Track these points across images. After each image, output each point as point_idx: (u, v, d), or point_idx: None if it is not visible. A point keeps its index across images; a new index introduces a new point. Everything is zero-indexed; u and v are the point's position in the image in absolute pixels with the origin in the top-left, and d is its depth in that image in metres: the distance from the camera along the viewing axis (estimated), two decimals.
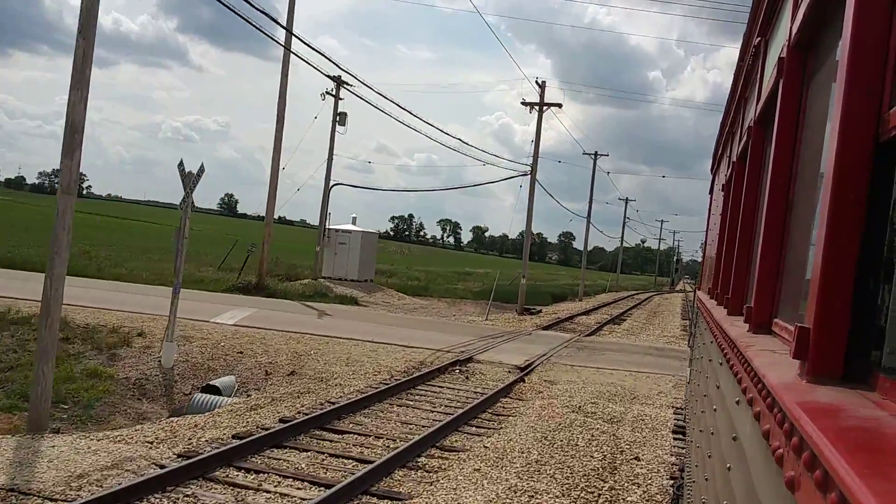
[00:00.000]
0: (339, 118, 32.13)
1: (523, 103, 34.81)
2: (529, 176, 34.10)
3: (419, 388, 12.46)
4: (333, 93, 31.45)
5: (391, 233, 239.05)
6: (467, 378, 13.90)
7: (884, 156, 1.24)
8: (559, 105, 35.00)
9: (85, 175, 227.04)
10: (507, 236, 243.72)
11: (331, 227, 34.53)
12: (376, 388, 11.71)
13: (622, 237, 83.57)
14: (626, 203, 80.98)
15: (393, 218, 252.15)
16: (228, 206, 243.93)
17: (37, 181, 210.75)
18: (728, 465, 2.24)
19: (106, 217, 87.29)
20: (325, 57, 22.13)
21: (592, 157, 54.36)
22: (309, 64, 22.96)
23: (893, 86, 1.24)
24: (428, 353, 15.90)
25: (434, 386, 12.81)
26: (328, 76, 29.95)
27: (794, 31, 2.19)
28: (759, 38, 3.37)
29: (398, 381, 12.34)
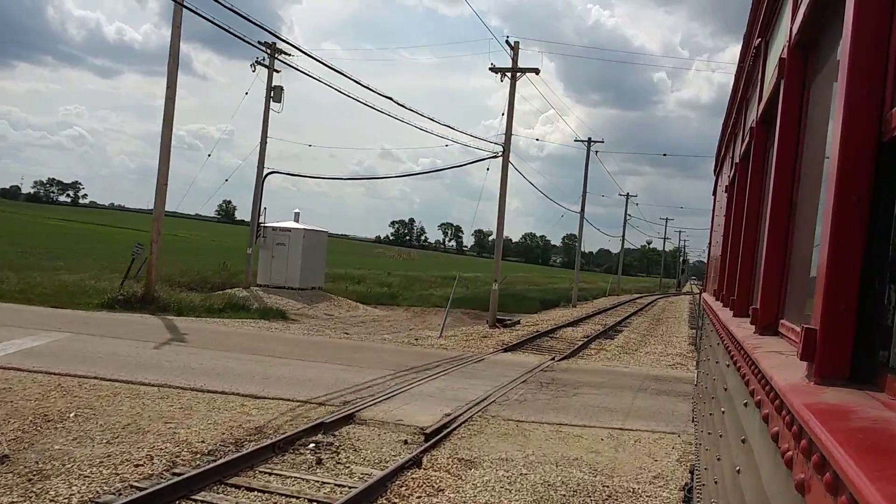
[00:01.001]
0: (274, 93, 27.83)
1: (493, 69, 27.75)
2: (502, 157, 27.48)
3: (206, 493, 6.89)
4: (266, 63, 27.41)
5: (391, 237, 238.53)
6: (319, 462, 8.17)
7: (886, 155, 1.24)
8: (535, 70, 28.02)
9: (80, 184, 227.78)
10: (511, 239, 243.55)
11: (267, 224, 29.03)
12: (116, 494, 6.66)
13: (623, 236, 77.46)
14: (627, 199, 75.79)
15: (393, 223, 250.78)
16: (226, 212, 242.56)
17: (32, 191, 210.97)
18: (738, 468, 2.23)
19: (91, 225, 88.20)
20: (252, 22, 18.52)
21: (585, 144, 47.98)
22: (235, 35, 19.34)
23: (895, 85, 1.24)
24: (285, 407, 10.48)
25: (237, 489, 7.12)
26: (258, 44, 25.59)
27: (795, 31, 2.19)
28: (759, 39, 3.37)
29: (171, 481, 6.89)
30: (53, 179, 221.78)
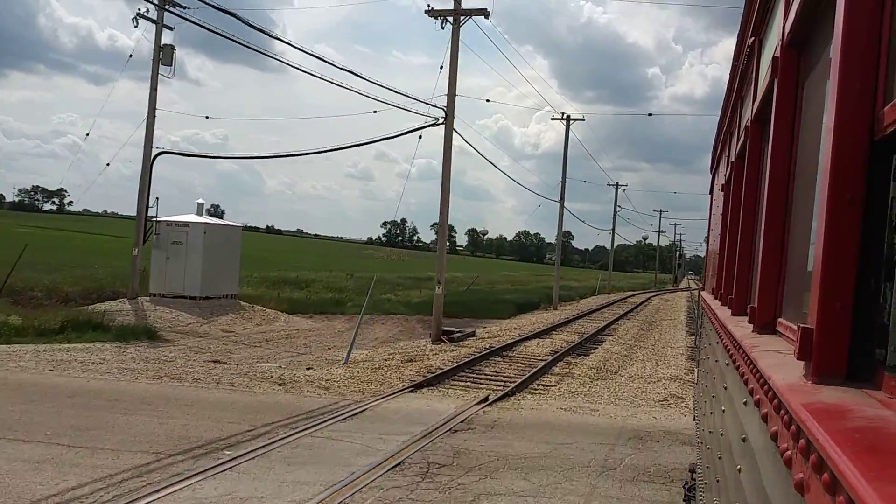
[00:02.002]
0: (163, 54, 23.00)
1: (429, 12, 21.79)
2: (444, 126, 21.35)
3: None
4: (154, 18, 22.86)
5: (383, 238, 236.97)
6: None
7: (879, 154, 1.24)
8: (483, 12, 21.75)
9: (66, 191, 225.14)
10: (506, 238, 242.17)
11: (161, 218, 23.99)
12: None
13: (613, 229, 69.39)
14: (617, 189, 68.33)
15: (385, 223, 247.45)
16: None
17: (16, 199, 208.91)
18: (738, 467, 2.23)
19: (74, 233, 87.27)
20: None
21: (564, 121, 40.46)
22: None
23: (887, 83, 1.24)
24: None
25: None
26: None
27: (787, 30, 2.19)
28: (752, 38, 3.38)
29: None
30: (38, 187, 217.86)
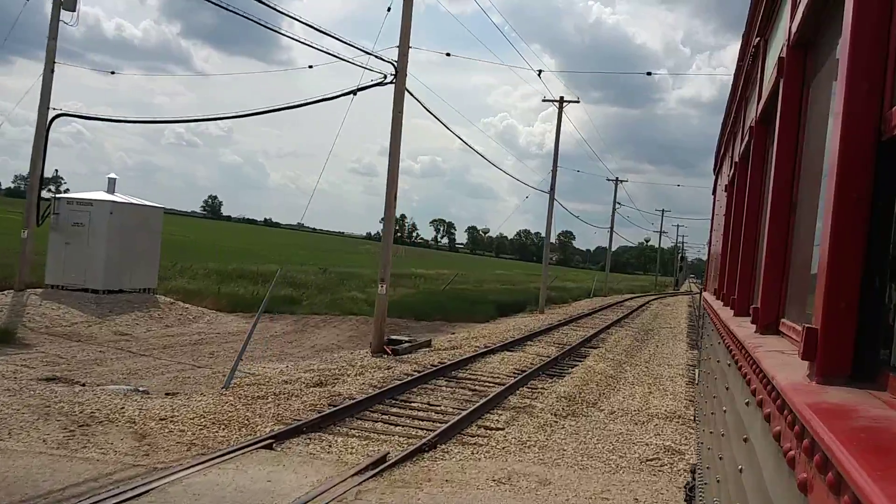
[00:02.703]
0: None
1: None
2: (394, 83, 16.99)
3: None
4: None
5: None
6: None
7: (886, 154, 1.24)
8: None
9: (62, 178, 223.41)
10: (507, 237, 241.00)
11: (61, 195, 21.06)
12: None
13: (612, 228, 63.38)
14: (616, 184, 62.73)
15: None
16: (212, 208, 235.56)
17: (12, 185, 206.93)
18: (740, 467, 2.23)
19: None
20: None
21: (558, 104, 35.41)
22: None
23: (894, 84, 1.24)
24: None
25: None
26: None
27: (794, 30, 2.19)
28: (758, 38, 3.37)
29: None
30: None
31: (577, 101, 36.01)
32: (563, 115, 35.77)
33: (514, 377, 14.03)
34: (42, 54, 19.73)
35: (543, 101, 36.08)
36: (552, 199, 35.21)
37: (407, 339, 17.88)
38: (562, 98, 35.43)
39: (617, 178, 63.38)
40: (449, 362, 15.17)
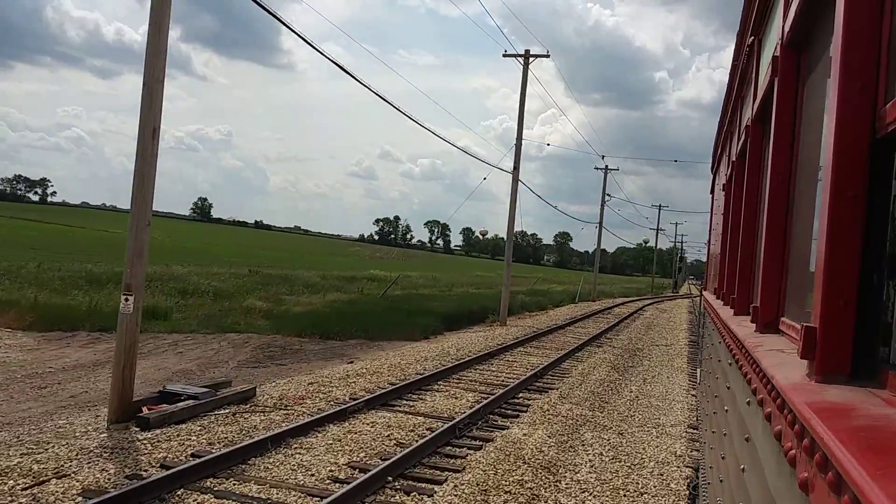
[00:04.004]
0: None
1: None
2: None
3: None
4: None
5: (376, 236, 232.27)
6: None
7: (881, 151, 1.24)
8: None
9: (49, 181, 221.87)
10: (502, 238, 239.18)
11: None
12: None
13: (601, 223, 54.87)
14: (606, 172, 54.25)
15: (378, 220, 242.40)
16: (201, 210, 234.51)
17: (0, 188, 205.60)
18: (742, 467, 2.23)
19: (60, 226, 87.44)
20: None
21: (522, 60, 27.53)
22: None
23: (888, 81, 1.24)
24: None
25: None
26: None
27: (787, 29, 2.20)
28: (752, 38, 3.38)
29: None
30: (20, 176, 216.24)
31: (547, 56, 28.00)
32: (518, 59, 27.55)
33: (340, 490, 6.57)
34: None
35: (505, 55, 27.91)
36: (516, 179, 27.28)
37: (200, 389, 10.11)
38: (527, 52, 27.60)
39: (606, 165, 54.74)
40: (234, 446, 7.73)
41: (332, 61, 15.31)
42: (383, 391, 11.34)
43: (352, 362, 15.21)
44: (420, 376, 13.05)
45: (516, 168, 27.37)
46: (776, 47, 2.42)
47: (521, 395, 12.42)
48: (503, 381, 13.51)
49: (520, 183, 27.45)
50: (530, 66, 27.45)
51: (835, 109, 1.31)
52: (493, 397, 11.38)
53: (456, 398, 11.72)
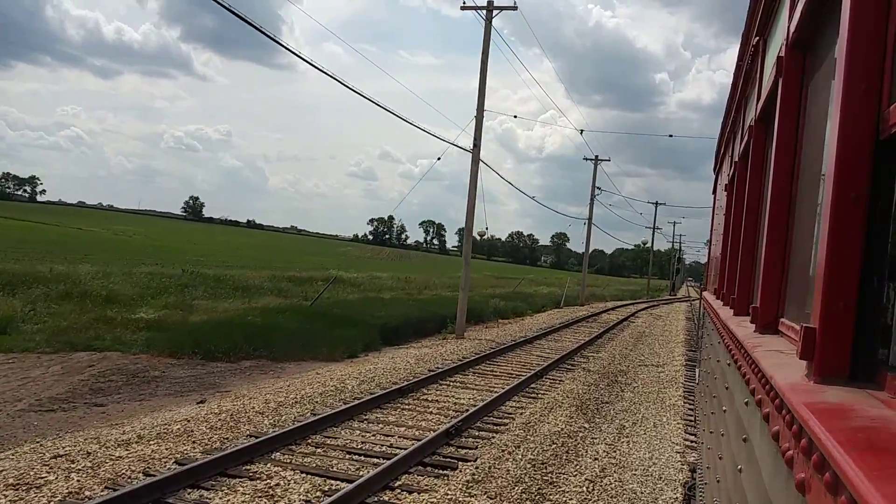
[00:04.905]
0: None
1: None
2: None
3: None
4: None
5: (370, 236, 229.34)
6: None
7: (885, 153, 1.24)
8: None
9: (38, 179, 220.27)
10: (499, 239, 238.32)
11: None
12: None
13: (590, 219, 49.27)
14: (596, 162, 49.02)
15: (372, 220, 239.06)
16: (193, 209, 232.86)
17: None
18: (739, 467, 2.23)
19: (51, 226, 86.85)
20: None
21: (484, 14, 21.81)
22: None
23: (892, 83, 1.24)
24: None
25: None
26: None
27: (792, 30, 2.19)
28: (757, 38, 3.37)
29: None
30: (9, 174, 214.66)
31: (514, 8, 22.11)
32: (479, 10, 21.65)
33: None
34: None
35: (463, 8, 22.18)
36: (476, 159, 21.96)
37: None
38: (490, 2, 22.03)
39: (596, 156, 49.49)
40: None
41: (319, 69, 15.15)
42: (131, 488, 5.73)
43: (202, 401, 10.65)
44: (254, 440, 7.72)
45: (476, 146, 21.86)
46: (781, 48, 2.41)
47: (397, 485, 6.72)
48: (386, 449, 7.95)
49: (494, 171, 21.92)
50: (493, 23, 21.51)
51: (839, 111, 1.31)
52: (390, 464, 6.91)
53: (309, 486, 6.46)
